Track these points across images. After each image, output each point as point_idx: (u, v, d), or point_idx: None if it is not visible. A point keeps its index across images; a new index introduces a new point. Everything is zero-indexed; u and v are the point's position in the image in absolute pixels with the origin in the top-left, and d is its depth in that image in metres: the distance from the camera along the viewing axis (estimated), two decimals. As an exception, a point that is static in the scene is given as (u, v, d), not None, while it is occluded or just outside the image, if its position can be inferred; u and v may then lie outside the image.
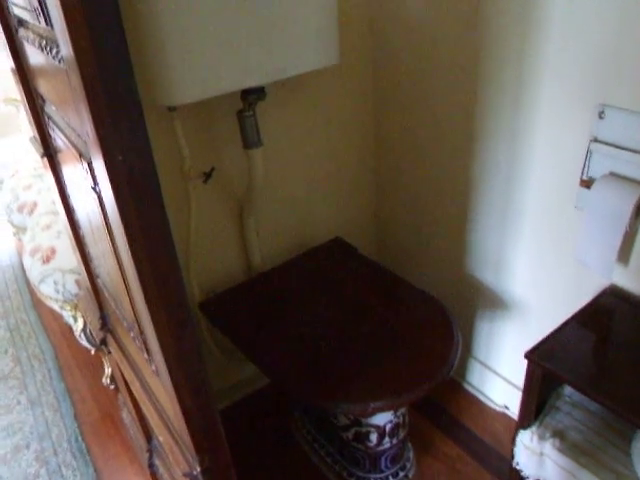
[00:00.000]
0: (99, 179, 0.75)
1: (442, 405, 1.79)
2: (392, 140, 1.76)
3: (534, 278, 1.49)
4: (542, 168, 1.36)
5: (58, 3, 0.57)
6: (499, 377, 1.73)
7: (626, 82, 1.12)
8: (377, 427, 1.42)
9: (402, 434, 1.49)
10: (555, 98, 1.26)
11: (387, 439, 1.45)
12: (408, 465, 1.56)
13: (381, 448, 1.46)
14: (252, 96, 1.38)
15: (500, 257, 1.57)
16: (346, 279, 1.59)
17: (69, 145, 0.96)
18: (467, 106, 1.47)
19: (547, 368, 1.15)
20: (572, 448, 1.18)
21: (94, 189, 0.81)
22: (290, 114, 1.60)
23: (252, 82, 1.31)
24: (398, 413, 1.43)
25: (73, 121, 0.86)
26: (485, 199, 1.53)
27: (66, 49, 0.64)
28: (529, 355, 1.17)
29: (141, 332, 0.93)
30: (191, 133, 1.39)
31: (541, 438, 1.22)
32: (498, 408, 1.76)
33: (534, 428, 1.24)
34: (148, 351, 0.95)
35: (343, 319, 1.44)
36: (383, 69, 1.68)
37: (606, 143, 1.20)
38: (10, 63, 1.26)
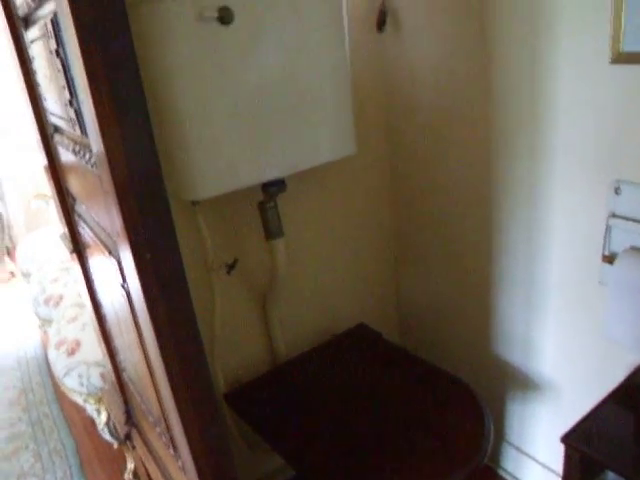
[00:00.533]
0: (128, 276, 0.77)
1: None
2: (411, 224, 1.79)
3: (563, 356, 1.46)
4: (562, 245, 1.36)
5: (94, 118, 0.62)
6: (536, 462, 1.65)
7: None
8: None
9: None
10: (570, 175, 1.29)
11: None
12: None
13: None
14: (273, 188, 1.42)
15: (527, 336, 1.54)
16: (372, 366, 1.57)
17: (98, 243, 1.00)
18: (483, 187, 1.50)
19: (586, 453, 1.10)
20: (621, 540, 1.11)
21: (123, 286, 0.83)
22: (310, 203, 1.65)
23: (272, 175, 1.35)
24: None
25: (103, 220, 0.90)
26: (508, 277, 1.53)
27: (99, 156, 0.68)
28: (565, 439, 1.12)
29: (168, 428, 0.92)
30: (214, 225, 1.43)
31: (586, 530, 1.15)
32: (537, 496, 1.67)
33: (578, 519, 1.17)
34: (175, 447, 0.93)
35: (371, 407, 1.40)
36: (399, 157, 1.73)
37: (625, 218, 1.21)
38: (44, 163, 1.33)
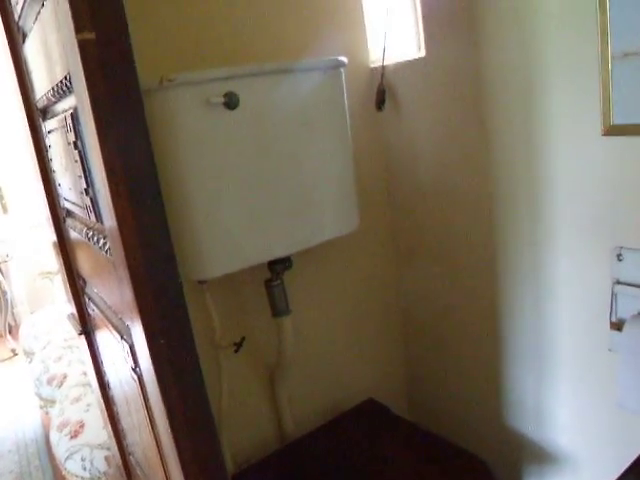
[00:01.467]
0: (140, 360, 0.77)
1: None
2: (417, 295, 1.80)
3: (579, 427, 1.43)
4: (569, 312, 1.36)
5: (112, 210, 0.64)
6: (558, 540, 1.59)
7: None
8: None
9: None
10: (572, 243, 1.31)
11: None
12: None
13: None
14: (279, 266, 1.44)
15: (539, 405, 1.52)
16: (382, 443, 1.54)
17: (109, 326, 1.00)
18: (487, 258, 1.52)
19: (610, 531, 1.06)
20: None
21: (134, 370, 0.83)
22: (316, 280, 1.66)
23: (278, 253, 1.38)
24: None
25: (115, 305, 0.91)
26: (516, 346, 1.52)
27: (115, 244, 0.70)
28: (588, 516, 1.09)
29: (179, 516, 0.90)
30: (221, 303, 1.44)
31: None
32: None
33: None
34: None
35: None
36: (403, 232, 1.76)
37: (629, 284, 1.22)
38: (52, 240, 1.35)
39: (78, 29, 0.58)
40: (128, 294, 0.70)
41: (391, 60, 1.60)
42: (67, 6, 0.58)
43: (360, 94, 1.63)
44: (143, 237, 0.66)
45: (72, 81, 0.73)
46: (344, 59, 1.40)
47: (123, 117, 0.61)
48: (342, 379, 1.77)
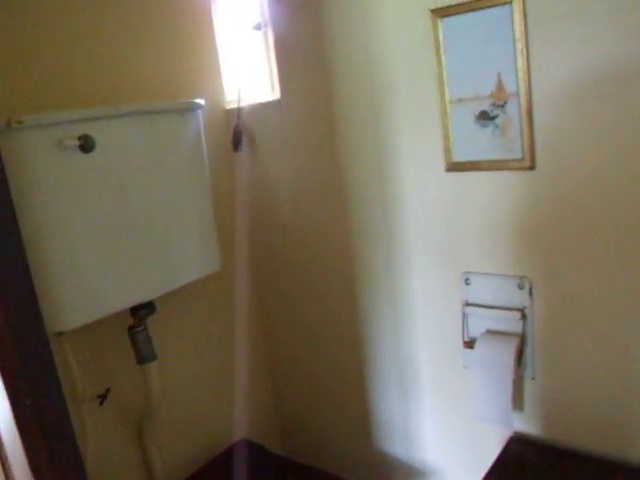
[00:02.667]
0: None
1: None
2: (282, 330, 1.82)
3: (442, 441, 1.53)
4: (427, 334, 1.47)
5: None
6: None
7: (483, 252, 1.30)
8: None
9: None
10: (426, 270, 1.42)
11: None
12: None
13: None
14: (142, 311, 1.39)
15: (405, 425, 1.60)
16: (260, 480, 1.52)
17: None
18: (346, 286, 1.59)
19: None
20: None
21: (-8, 439, 0.75)
22: (182, 323, 1.62)
23: (140, 299, 1.33)
24: None
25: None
26: (381, 369, 1.60)
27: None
28: (460, 524, 1.16)
29: None
30: (83, 354, 1.35)
31: None
32: None
33: None
34: None
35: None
36: (265, 268, 1.79)
37: (477, 305, 1.35)
38: None
39: None
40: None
41: (247, 101, 1.64)
42: None
43: (217, 135, 1.65)
44: (4, 296, 0.61)
45: None
46: (201, 101, 1.41)
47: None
48: (214, 422, 1.73)
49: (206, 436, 1.70)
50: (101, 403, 1.35)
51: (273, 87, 1.67)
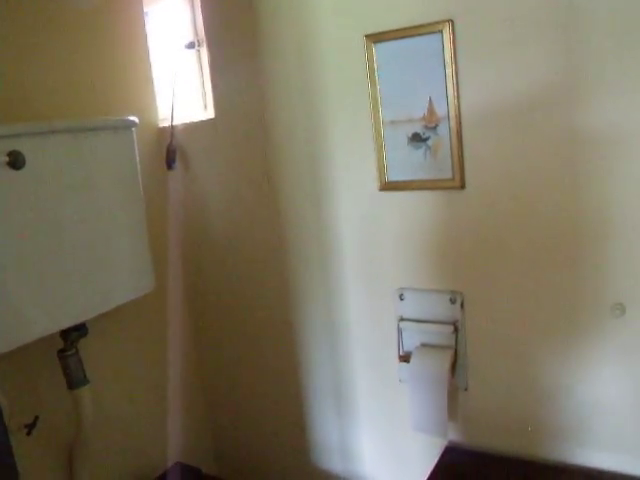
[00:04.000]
0: None
1: None
2: (215, 351, 1.80)
3: (380, 455, 1.56)
4: (362, 351, 1.50)
5: None
6: None
7: (416, 268, 1.35)
8: None
9: None
10: (361, 288, 1.45)
11: None
12: None
13: None
14: (73, 334, 1.34)
15: (342, 442, 1.61)
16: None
17: None
18: (283, 304, 1.60)
19: None
20: None
21: None
22: (114, 343, 1.57)
23: (70, 322, 1.28)
24: None
25: None
26: (316, 389, 1.61)
27: None
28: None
29: None
30: (8, 381, 1.27)
31: None
32: None
33: None
34: None
35: None
36: (198, 287, 1.77)
37: (411, 320, 1.39)
38: None
39: None
40: None
41: (180, 120, 1.63)
42: None
43: (150, 153, 1.62)
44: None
45: None
46: (135, 119, 1.39)
47: None
48: (147, 447, 1.68)
49: (140, 461, 1.65)
50: (29, 433, 1.28)
51: (206, 107, 1.67)
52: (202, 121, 1.59)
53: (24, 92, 1.33)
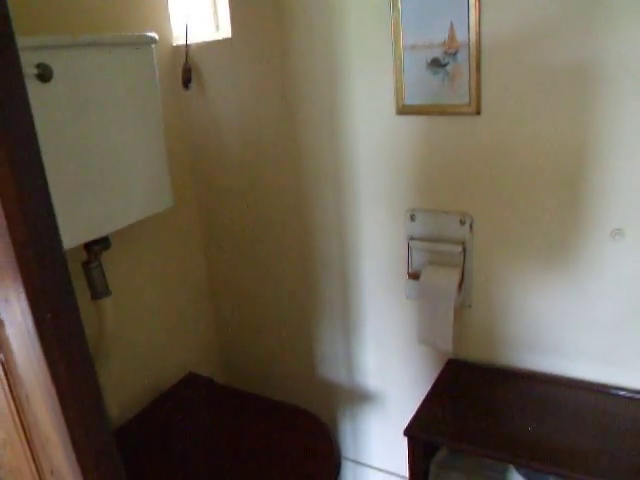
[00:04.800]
0: (12, 342, 0.72)
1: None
2: (227, 265, 1.86)
3: (385, 367, 1.66)
4: (372, 268, 1.57)
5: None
6: (372, 469, 1.82)
7: (428, 190, 1.41)
8: None
9: None
10: (373, 207, 1.51)
11: None
12: None
13: None
14: (96, 247, 1.39)
15: (349, 355, 1.72)
16: (211, 412, 1.60)
17: None
18: (294, 222, 1.66)
19: (426, 439, 1.29)
20: (461, 508, 1.32)
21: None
22: (135, 257, 1.63)
23: (93, 235, 1.33)
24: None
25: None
26: (326, 304, 1.70)
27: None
28: (408, 432, 1.29)
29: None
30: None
31: (433, 507, 1.33)
32: (378, 499, 1.84)
33: (425, 500, 1.35)
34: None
35: (217, 455, 1.44)
36: (211, 204, 1.81)
37: (421, 239, 1.46)
38: None
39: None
40: (4, 272, 0.65)
41: (194, 40, 1.62)
42: None
43: (165, 72, 1.62)
44: (26, 206, 0.62)
45: None
46: (155, 35, 1.39)
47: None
48: (162, 358, 1.77)
49: (156, 372, 1.74)
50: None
51: (218, 27, 1.66)
52: (218, 41, 1.59)
53: (35, 4, 1.32)
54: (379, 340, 1.64)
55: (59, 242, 0.66)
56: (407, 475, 1.36)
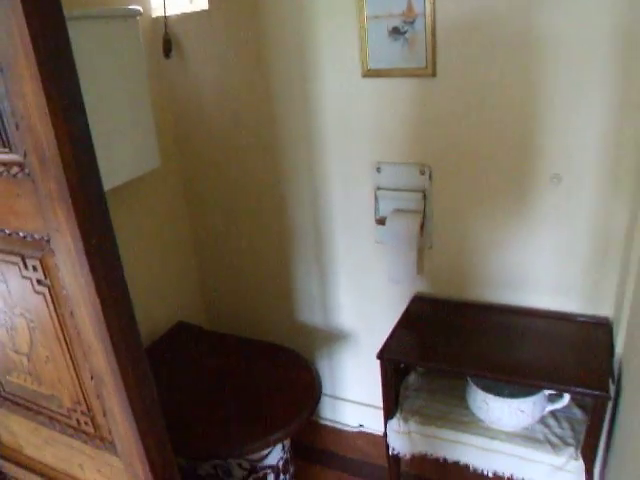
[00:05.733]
0: (62, 269, 0.87)
1: (309, 444, 2.01)
2: (207, 216, 2.02)
3: (357, 307, 1.86)
4: (343, 215, 1.75)
5: (48, 124, 0.74)
6: (348, 402, 2.03)
7: (392, 145, 1.59)
8: (272, 467, 1.59)
9: (292, 469, 1.67)
10: (343, 161, 1.69)
11: (282, 476, 1.62)
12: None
13: (279, 487, 1.63)
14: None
15: (324, 298, 1.91)
16: (199, 354, 1.79)
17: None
18: (269, 177, 1.82)
19: (396, 360, 1.50)
20: (429, 419, 1.52)
21: (40, 284, 0.92)
22: (123, 215, 1.76)
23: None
24: (286, 448, 1.62)
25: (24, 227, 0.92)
26: (300, 246, 1.88)
27: (46, 163, 0.78)
28: (380, 355, 1.49)
29: (88, 409, 1.01)
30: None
31: (405, 420, 1.54)
32: (355, 429, 2.05)
33: (398, 415, 1.55)
34: (95, 426, 1.02)
35: (211, 389, 1.62)
36: (191, 162, 1.95)
37: (386, 189, 1.64)
38: None
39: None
40: (58, 207, 0.79)
41: (173, 11, 1.74)
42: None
43: (146, 43, 1.74)
44: (76, 149, 0.77)
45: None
46: (139, 8, 1.52)
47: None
48: (154, 308, 1.92)
49: (148, 320, 1.89)
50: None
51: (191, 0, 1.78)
52: (196, 12, 1.71)
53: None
54: (352, 281, 1.83)
55: (100, 182, 0.81)
56: (381, 404, 1.56)
